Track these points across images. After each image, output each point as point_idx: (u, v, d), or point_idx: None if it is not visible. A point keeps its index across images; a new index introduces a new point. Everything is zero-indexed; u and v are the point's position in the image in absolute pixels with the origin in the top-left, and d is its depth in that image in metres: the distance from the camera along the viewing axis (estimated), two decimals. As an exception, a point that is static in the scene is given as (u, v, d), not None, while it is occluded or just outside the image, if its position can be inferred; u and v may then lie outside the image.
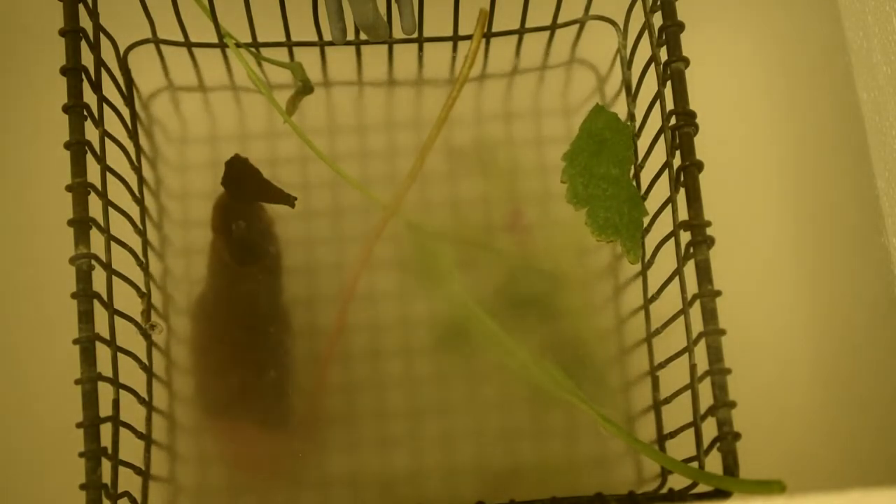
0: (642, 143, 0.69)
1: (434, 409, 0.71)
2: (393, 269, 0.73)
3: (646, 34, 0.66)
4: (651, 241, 0.67)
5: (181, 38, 0.74)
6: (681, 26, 0.62)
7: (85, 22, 0.63)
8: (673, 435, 0.65)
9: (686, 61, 0.61)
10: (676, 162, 0.62)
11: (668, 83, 0.63)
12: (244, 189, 0.68)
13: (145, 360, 0.68)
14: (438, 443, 0.70)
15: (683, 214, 0.61)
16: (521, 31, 0.75)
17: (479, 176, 0.75)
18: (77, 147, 0.60)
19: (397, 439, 0.70)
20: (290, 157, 0.75)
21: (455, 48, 0.76)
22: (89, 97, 0.62)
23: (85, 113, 0.61)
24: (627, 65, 0.73)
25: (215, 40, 0.74)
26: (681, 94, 0.61)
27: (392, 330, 0.72)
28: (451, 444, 0.70)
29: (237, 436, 0.70)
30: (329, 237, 0.73)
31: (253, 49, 0.74)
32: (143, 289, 0.69)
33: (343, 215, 0.74)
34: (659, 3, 0.64)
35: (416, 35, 0.75)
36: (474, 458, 0.70)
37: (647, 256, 0.68)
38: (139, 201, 0.71)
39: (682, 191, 0.62)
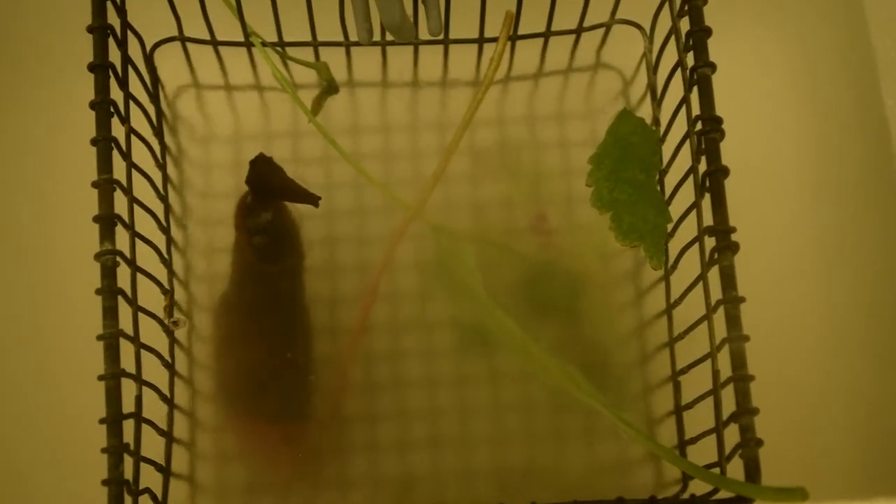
0: (667, 148, 0.69)
1: (454, 411, 0.71)
2: (415, 270, 0.73)
3: (672, 39, 0.66)
4: (674, 245, 0.67)
5: (207, 37, 0.74)
6: (708, 31, 0.62)
7: (112, 19, 0.63)
8: (694, 440, 0.65)
9: (713, 67, 0.62)
10: (702, 167, 0.62)
11: (694, 88, 0.63)
12: (268, 188, 0.68)
13: (167, 358, 0.69)
14: (458, 444, 0.70)
15: (708, 220, 0.61)
16: (547, 34, 0.75)
17: (502, 178, 0.74)
18: (103, 143, 0.60)
19: (417, 440, 0.70)
20: (314, 157, 0.75)
21: (480, 50, 0.76)
22: (115, 94, 0.62)
23: (111, 110, 0.61)
24: (653, 69, 0.73)
25: (241, 39, 0.74)
26: (707, 99, 0.62)
27: (413, 331, 0.72)
28: (470, 446, 0.70)
29: (257, 434, 0.70)
30: (351, 237, 0.73)
31: (279, 48, 0.75)
32: (167, 286, 0.70)
33: (366, 216, 0.74)
34: (686, 8, 0.64)
35: (442, 36, 0.75)
36: (493, 460, 0.70)
37: (671, 261, 0.68)
38: (163, 199, 0.72)
39: (706, 196, 0.61)
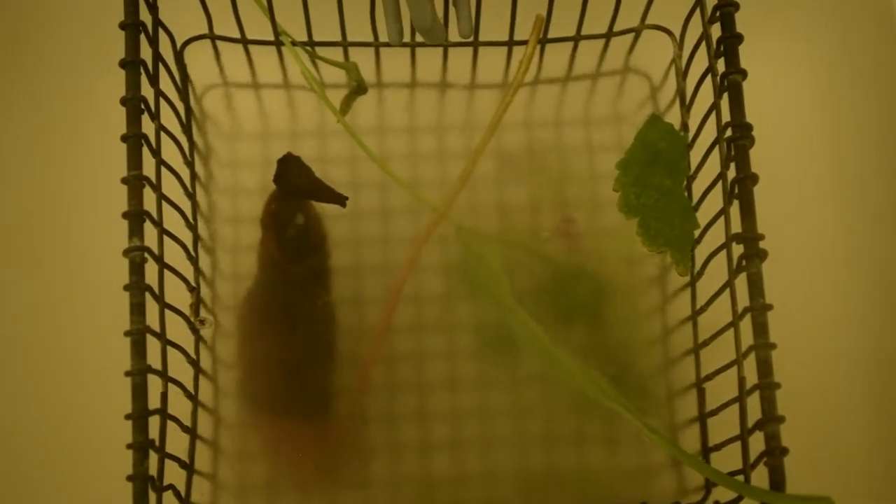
0: (695, 154, 0.69)
1: (476, 413, 0.70)
2: (439, 272, 0.73)
3: (702, 45, 0.66)
4: (701, 252, 0.67)
5: (237, 35, 0.74)
6: (739, 38, 0.62)
7: (143, 16, 0.63)
8: (719, 447, 0.65)
9: (744, 73, 0.62)
10: (731, 174, 0.62)
11: (724, 94, 0.63)
12: (296, 187, 0.68)
13: (193, 355, 0.69)
14: (479, 447, 0.70)
15: (735, 226, 0.61)
16: (577, 39, 0.76)
17: (528, 181, 0.74)
18: (134, 140, 0.60)
19: (438, 442, 0.70)
20: (340, 157, 0.74)
21: (510, 53, 0.76)
22: (146, 91, 0.62)
23: (142, 106, 0.61)
24: (682, 75, 0.73)
25: (271, 38, 0.74)
26: (737, 105, 0.61)
27: (436, 332, 0.72)
28: (492, 449, 0.70)
29: (279, 433, 0.70)
30: (376, 238, 0.73)
31: (308, 48, 0.75)
32: (193, 283, 0.70)
33: (391, 216, 0.74)
34: (718, 14, 0.64)
35: (471, 39, 0.75)
36: (515, 463, 0.70)
37: (697, 268, 0.68)
38: (191, 196, 0.72)
39: (734, 203, 0.62)
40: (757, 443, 0.58)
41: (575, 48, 0.76)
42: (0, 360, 0.71)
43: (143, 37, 0.63)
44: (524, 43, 0.74)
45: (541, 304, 0.71)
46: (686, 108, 0.72)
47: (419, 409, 0.70)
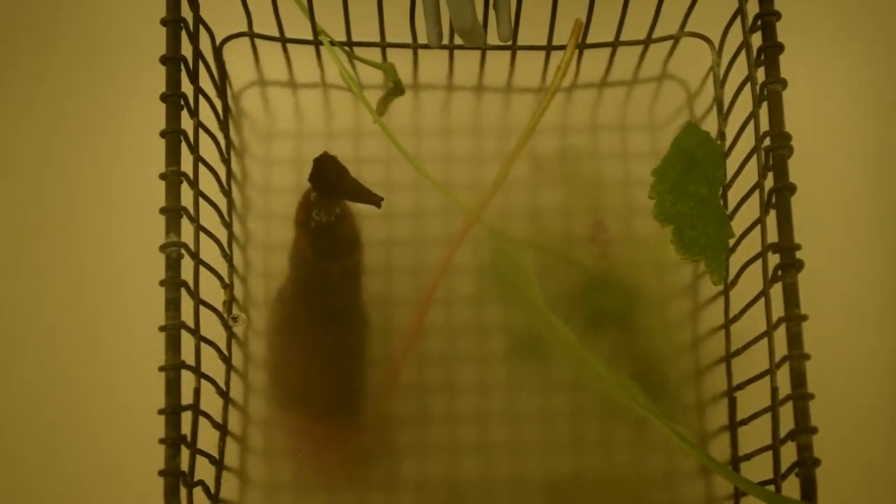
0: (731, 163, 0.69)
1: (504, 417, 0.70)
2: (471, 274, 0.73)
3: (742, 53, 0.66)
4: (734, 260, 0.67)
5: (276, 34, 0.75)
6: (780, 47, 0.62)
7: (185, 13, 0.63)
8: (749, 457, 0.65)
9: (784, 83, 0.61)
10: (768, 184, 0.62)
11: (763, 103, 0.63)
12: (331, 186, 0.68)
13: (225, 352, 0.69)
14: (507, 450, 0.70)
15: (771, 236, 0.61)
16: (615, 44, 0.75)
17: (561, 186, 0.74)
18: (172, 136, 0.60)
19: (466, 445, 0.70)
20: (375, 157, 0.75)
21: (548, 57, 0.76)
22: (184, 88, 0.62)
23: (181, 103, 0.62)
24: (720, 83, 0.73)
25: (310, 37, 0.75)
26: (777, 115, 0.61)
27: (467, 335, 0.72)
28: (519, 453, 0.70)
29: (308, 431, 0.70)
30: (409, 239, 0.73)
31: (346, 48, 0.75)
32: (226, 280, 0.70)
33: (424, 218, 0.74)
34: (759, 23, 0.63)
35: (510, 43, 0.75)
36: (543, 467, 0.70)
37: (731, 277, 0.67)
38: (227, 193, 0.72)
39: (770, 212, 0.61)
40: (788, 453, 0.58)
41: (613, 54, 0.76)
42: (34, 353, 0.71)
43: (182, 34, 0.63)
44: (562, 48, 0.74)
45: (571, 309, 0.71)
46: (724, 116, 0.72)
47: (448, 412, 0.71)
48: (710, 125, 0.72)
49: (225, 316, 0.70)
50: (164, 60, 0.62)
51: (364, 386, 0.71)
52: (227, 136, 0.74)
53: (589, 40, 0.75)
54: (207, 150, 0.68)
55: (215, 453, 0.67)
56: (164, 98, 0.61)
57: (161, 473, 0.56)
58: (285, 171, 0.74)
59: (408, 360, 0.71)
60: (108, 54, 0.78)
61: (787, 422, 0.58)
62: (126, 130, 0.76)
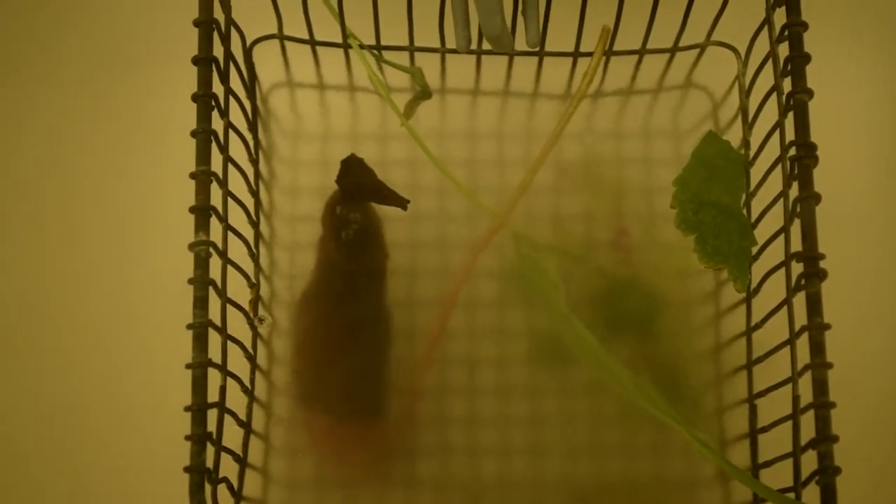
0: (755, 172, 0.69)
1: (525, 420, 0.71)
2: (494, 278, 0.73)
3: (768, 63, 0.66)
4: (757, 269, 0.67)
5: (305, 36, 0.75)
6: (807, 58, 0.62)
7: (216, 14, 0.64)
8: (769, 464, 0.65)
9: (810, 93, 0.62)
10: (792, 193, 0.62)
11: (789, 113, 0.63)
12: (358, 188, 0.68)
13: (250, 350, 0.69)
14: (527, 454, 0.70)
15: (795, 245, 0.61)
16: (642, 52, 0.76)
17: (585, 192, 0.75)
18: (203, 136, 0.61)
19: (486, 447, 0.70)
20: (400, 160, 0.75)
21: (574, 64, 0.77)
22: (216, 88, 0.63)
23: (212, 103, 0.62)
24: (746, 92, 0.73)
25: (339, 40, 0.75)
26: (803, 125, 0.61)
27: (489, 338, 0.72)
28: (539, 457, 0.70)
29: (331, 430, 0.70)
30: (433, 242, 0.74)
31: (375, 51, 0.75)
32: (253, 279, 0.71)
33: (448, 221, 0.74)
34: (786, 33, 0.64)
35: (538, 49, 0.76)
36: (563, 471, 0.70)
37: (753, 285, 0.68)
38: (255, 193, 0.72)
39: (794, 221, 0.62)
40: (808, 461, 0.58)
41: (639, 61, 0.77)
42: (63, 349, 0.72)
43: (214, 35, 0.64)
44: (589, 54, 0.74)
45: (593, 314, 0.71)
46: (748, 125, 0.72)
47: (469, 414, 0.71)
48: (734, 134, 0.73)
49: (251, 315, 0.70)
50: (195, 61, 0.62)
51: (387, 387, 0.71)
52: (255, 137, 0.74)
53: (616, 47, 0.75)
54: (235, 150, 0.68)
55: (239, 451, 0.67)
56: (195, 98, 0.61)
57: (187, 470, 0.57)
58: (312, 172, 0.75)
59: (431, 362, 0.72)
60: (139, 55, 0.78)
61: (807, 430, 0.59)
62: (156, 130, 0.76)
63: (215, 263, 0.61)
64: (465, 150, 0.76)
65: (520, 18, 0.71)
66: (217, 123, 0.63)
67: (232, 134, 0.67)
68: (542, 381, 0.71)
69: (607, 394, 0.71)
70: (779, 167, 0.64)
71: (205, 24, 0.63)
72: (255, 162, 0.73)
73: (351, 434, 0.70)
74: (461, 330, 0.72)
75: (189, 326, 0.58)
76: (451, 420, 0.71)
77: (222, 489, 0.62)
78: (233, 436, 0.66)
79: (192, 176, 0.60)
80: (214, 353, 0.60)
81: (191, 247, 0.59)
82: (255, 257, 0.71)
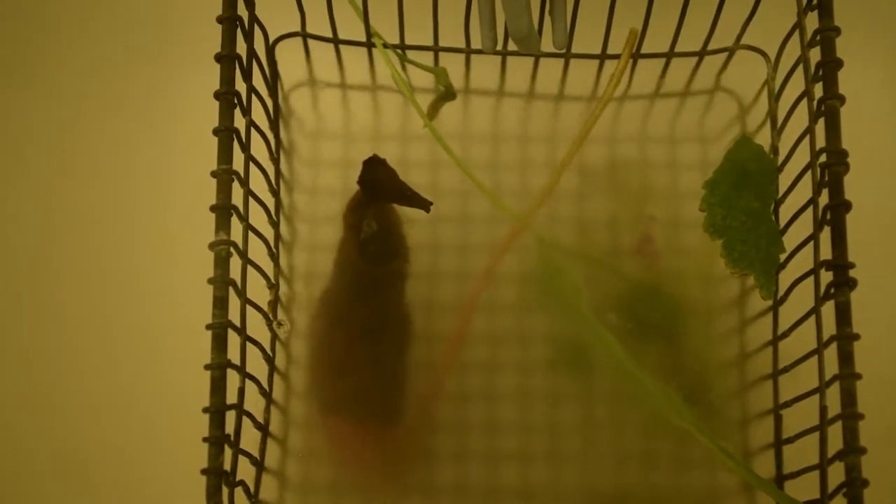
0: (783, 178, 0.68)
1: (545, 426, 0.70)
2: (516, 283, 0.72)
3: (799, 68, 0.65)
4: (784, 276, 0.66)
5: (329, 34, 0.75)
6: (839, 63, 0.61)
7: (240, 11, 0.63)
8: (794, 475, 0.65)
9: (842, 99, 0.60)
10: (822, 200, 0.61)
11: (819, 119, 0.62)
12: (380, 189, 0.67)
13: (269, 352, 0.69)
14: (547, 460, 0.69)
15: (824, 253, 0.60)
16: (670, 55, 0.75)
17: (609, 196, 0.74)
18: (225, 134, 0.60)
19: (506, 454, 0.69)
20: (422, 161, 0.74)
21: (601, 66, 0.76)
22: (238, 86, 0.62)
23: (235, 101, 0.61)
24: (775, 97, 0.72)
25: (362, 38, 0.74)
26: (834, 131, 0.60)
27: (510, 343, 0.71)
28: (559, 464, 0.69)
29: (348, 434, 0.69)
30: (455, 245, 0.73)
31: (399, 51, 0.75)
32: (272, 280, 0.70)
33: (470, 224, 0.73)
34: (817, 38, 0.63)
35: (565, 50, 0.75)
36: (583, 479, 0.69)
37: (781, 292, 0.67)
38: (275, 193, 0.72)
39: (824, 229, 0.61)
40: (835, 473, 0.58)
41: (667, 65, 0.76)
42: (79, 348, 0.71)
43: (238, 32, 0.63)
44: (616, 57, 0.74)
45: (616, 320, 0.70)
46: (777, 131, 0.71)
47: (489, 420, 0.70)
48: (763, 139, 0.72)
49: (270, 316, 0.70)
50: (219, 58, 0.61)
51: (406, 391, 0.70)
52: (277, 136, 0.74)
53: (643, 50, 0.75)
54: (256, 149, 0.67)
55: (256, 454, 0.66)
56: (217, 95, 0.61)
57: (204, 472, 0.56)
58: (333, 172, 0.74)
59: (450, 367, 0.71)
60: (159, 52, 0.78)
61: (833, 441, 0.58)
62: (176, 128, 0.76)
63: (234, 264, 0.60)
64: (488, 152, 0.75)
65: (546, 19, 0.70)
66: (238, 122, 0.62)
67: (252, 132, 0.66)
68: (564, 387, 0.71)
69: (630, 401, 0.70)
70: (808, 174, 0.63)
71: (229, 21, 0.62)
72: (276, 161, 0.73)
73: (369, 438, 0.69)
74: (482, 334, 0.71)
75: (208, 327, 0.57)
76: (471, 426, 0.70)
77: (238, 492, 0.61)
78: (250, 438, 0.65)
79: (214, 174, 0.59)
80: (233, 355, 0.59)
81: (211, 246, 0.58)
82: (275, 258, 0.71)
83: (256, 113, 0.67)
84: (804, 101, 0.65)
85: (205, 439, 0.57)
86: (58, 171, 0.75)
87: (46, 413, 0.71)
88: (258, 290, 0.68)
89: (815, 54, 0.63)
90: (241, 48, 0.63)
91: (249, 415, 0.63)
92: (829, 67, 0.62)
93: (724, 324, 0.72)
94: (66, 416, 0.71)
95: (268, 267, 0.69)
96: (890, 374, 0.70)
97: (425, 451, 0.70)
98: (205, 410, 0.57)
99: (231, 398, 0.59)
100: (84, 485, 0.70)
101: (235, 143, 0.61)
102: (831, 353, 0.58)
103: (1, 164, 0.76)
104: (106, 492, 0.70)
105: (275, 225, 0.71)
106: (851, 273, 0.59)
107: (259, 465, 0.67)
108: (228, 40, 0.62)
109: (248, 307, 0.63)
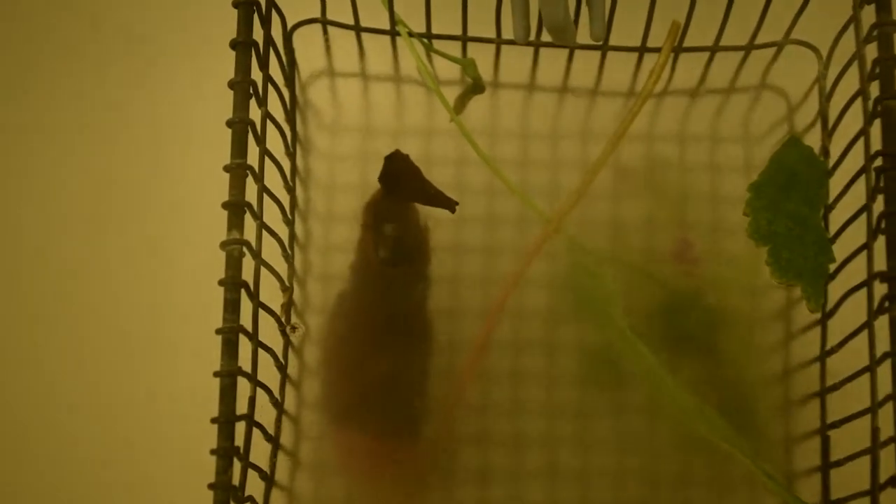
0: (834, 182, 0.65)
1: (573, 442, 0.67)
2: (545, 288, 0.69)
3: (853, 65, 0.63)
4: (834, 287, 0.63)
5: (350, 21, 0.72)
6: (898, 60, 0.59)
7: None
8: (843, 502, 0.61)
9: (900, 99, 0.58)
10: (877, 207, 0.58)
11: (875, 121, 0.59)
12: (402, 187, 0.65)
13: (282, 359, 0.66)
14: (576, 480, 0.66)
15: (879, 264, 0.57)
16: (714, 49, 0.72)
17: (646, 198, 0.71)
18: (240, 126, 0.57)
19: (531, 470, 0.66)
20: (446, 158, 0.72)
21: (640, 60, 0.73)
22: (254, 75, 0.59)
23: (250, 91, 0.58)
24: (827, 96, 0.69)
25: (386, 26, 0.72)
26: (891, 133, 0.57)
27: (537, 352, 0.68)
28: (589, 483, 0.66)
29: (363, 449, 0.66)
30: (480, 247, 0.70)
31: (425, 40, 0.72)
32: (287, 282, 0.67)
33: (497, 225, 0.71)
34: (874, 33, 0.59)
35: (602, 42, 0.72)
36: (612, 498, 0.66)
37: (829, 305, 0.64)
38: (291, 190, 0.69)
39: (879, 238, 0.58)
40: (887, 500, 0.55)
41: (710, 59, 0.73)
42: (84, 350, 0.69)
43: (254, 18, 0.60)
44: (657, 50, 0.71)
45: (651, 331, 0.67)
46: (828, 132, 0.68)
47: (513, 434, 0.67)
48: (812, 141, 0.68)
49: (283, 321, 0.66)
50: (234, 45, 0.58)
51: (425, 402, 0.67)
52: (293, 129, 0.71)
53: (686, 44, 0.71)
54: (271, 142, 0.64)
55: (266, 467, 0.63)
56: (232, 85, 0.57)
57: (211, 487, 0.53)
58: (351, 168, 0.72)
59: (473, 377, 0.68)
60: (174, 41, 0.75)
61: (886, 466, 0.55)
62: (187, 120, 0.73)
63: (246, 265, 0.57)
64: (517, 150, 0.72)
65: (584, 9, 0.67)
66: (253, 113, 0.58)
67: (268, 125, 0.63)
68: (593, 400, 0.68)
69: (664, 417, 0.67)
70: (862, 178, 0.60)
71: (245, 5, 0.59)
72: (291, 155, 0.70)
73: (384, 453, 0.66)
74: (507, 342, 0.68)
75: (218, 331, 0.54)
76: (494, 440, 0.67)
77: (246, 509, 0.59)
78: (260, 451, 0.62)
79: (227, 169, 0.56)
80: (244, 362, 0.56)
81: (223, 245, 0.55)
82: (289, 259, 0.68)
83: (272, 104, 0.64)
84: (858, 101, 0.62)
85: (213, 451, 0.54)
86: (65, 167, 0.73)
87: (47, 419, 0.68)
88: (271, 293, 0.65)
89: (870, 51, 0.60)
90: (258, 35, 0.60)
91: (260, 426, 0.60)
92: (887, 65, 0.59)
93: (768, 337, 0.69)
94: (68, 422, 0.68)
95: (281, 268, 0.66)
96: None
97: (445, 467, 0.67)
98: (213, 420, 0.54)
99: (241, 408, 0.56)
100: (87, 497, 0.67)
101: (250, 136, 0.58)
102: (884, 370, 0.55)
103: (9, 162, 0.74)
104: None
105: (289, 223, 0.68)
106: (909, 286, 0.56)
107: (269, 479, 0.64)
108: (245, 26, 0.59)
109: (261, 311, 0.60)
